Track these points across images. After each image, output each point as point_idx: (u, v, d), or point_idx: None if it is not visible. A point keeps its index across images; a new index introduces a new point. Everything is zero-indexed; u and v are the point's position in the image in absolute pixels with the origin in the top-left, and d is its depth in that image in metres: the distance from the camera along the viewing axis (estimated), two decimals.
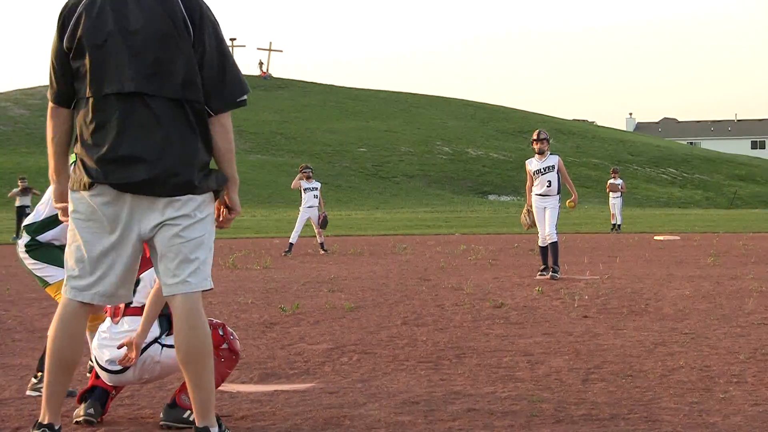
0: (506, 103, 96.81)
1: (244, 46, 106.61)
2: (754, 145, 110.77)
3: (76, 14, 4.48)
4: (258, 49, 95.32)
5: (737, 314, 9.52)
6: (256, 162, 61.63)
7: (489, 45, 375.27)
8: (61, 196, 4.70)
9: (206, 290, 4.55)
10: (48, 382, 4.59)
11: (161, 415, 5.24)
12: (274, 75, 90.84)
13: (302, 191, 20.25)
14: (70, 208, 4.55)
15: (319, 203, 20.26)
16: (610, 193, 29.61)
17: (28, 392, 6.12)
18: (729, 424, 5.15)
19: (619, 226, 29.00)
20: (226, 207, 4.69)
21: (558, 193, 14.02)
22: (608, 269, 14.91)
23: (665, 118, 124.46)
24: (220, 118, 4.54)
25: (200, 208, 4.50)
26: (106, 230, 4.46)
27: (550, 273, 13.45)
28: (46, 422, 4.57)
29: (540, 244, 13.86)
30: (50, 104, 4.59)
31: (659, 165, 73.59)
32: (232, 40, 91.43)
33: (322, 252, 19.94)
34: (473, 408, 5.57)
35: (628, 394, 5.89)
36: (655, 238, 24.38)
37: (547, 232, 13.70)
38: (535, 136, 14.19)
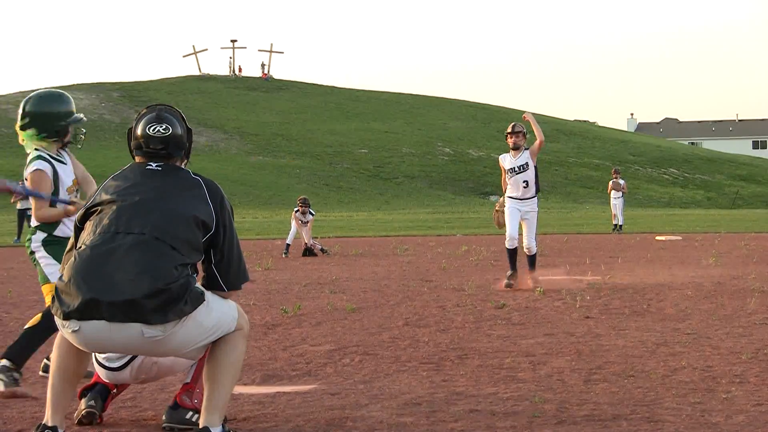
0: (507, 104, 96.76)
1: (245, 47, 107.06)
2: (755, 145, 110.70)
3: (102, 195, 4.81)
4: (259, 50, 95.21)
5: (739, 314, 9.51)
6: (256, 163, 61.63)
7: (490, 46, 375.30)
8: None
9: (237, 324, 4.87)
10: (53, 389, 4.63)
11: (164, 416, 5.24)
12: (275, 76, 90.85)
13: (295, 222, 20.24)
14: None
15: (308, 229, 20.25)
16: (612, 192, 29.58)
17: (40, 372, 6.55)
18: (731, 424, 5.14)
19: (620, 226, 28.96)
20: None
21: (536, 194, 12.65)
22: (610, 270, 14.90)
23: (666, 119, 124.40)
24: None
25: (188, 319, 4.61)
26: None
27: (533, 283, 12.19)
28: (50, 425, 4.59)
29: (508, 246, 12.60)
30: None
31: (660, 165, 73.55)
32: (233, 41, 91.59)
33: (323, 253, 19.94)
34: (475, 409, 5.57)
35: (630, 395, 5.89)
36: (657, 238, 24.36)
37: (526, 244, 12.57)
38: (509, 129, 12.64)
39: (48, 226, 6.46)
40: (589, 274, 14.30)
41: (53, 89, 6.88)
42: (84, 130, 6.81)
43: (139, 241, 4.56)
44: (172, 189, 4.77)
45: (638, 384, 6.21)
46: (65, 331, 4.55)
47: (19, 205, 27.55)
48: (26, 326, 6.34)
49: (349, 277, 14.48)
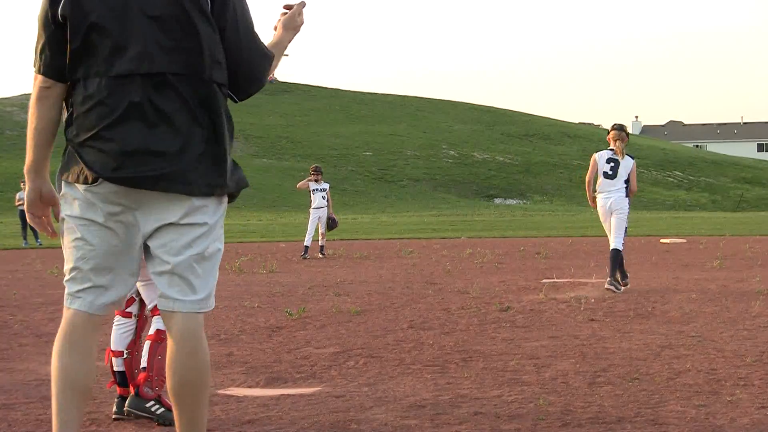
0: (512, 106, 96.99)
1: None
2: (760, 148, 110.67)
3: None
4: None
5: (744, 317, 9.50)
6: (261, 166, 61.66)
7: (495, 48, 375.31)
8: (36, 199, 3.88)
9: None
10: (60, 412, 3.78)
11: (126, 402, 5.49)
12: (280, 79, 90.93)
13: (311, 192, 20.35)
14: (66, 207, 3.81)
15: (328, 204, 20.32)
16: None
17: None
18: (736, 427, 5.14)
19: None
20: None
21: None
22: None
23: (671, 121, 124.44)
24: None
25: (215, 212, 3.85)
26: (109, 230, 3.76)
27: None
28: None
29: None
30: (40, 80, 3.78)
31: (665, 168, 73.52)
32: None
33: (320, 256, 19.99)
34: (480, 411, 5.57)
35: (634, 398, 5.88)
36: (662, 241, 24.35)
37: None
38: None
39: None
40: (593, 276, 14.30)
41: None
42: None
43: (174, 94, 3.70)
44: None
45: (642, 387, 6.21)
46: (84, 191, 3.73)
47: (23, 206, 27.62)
48: None
49: (354, 279, 14.49)
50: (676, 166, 74.55)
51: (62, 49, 3.73)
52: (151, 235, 3.79)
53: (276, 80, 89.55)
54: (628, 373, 6.65)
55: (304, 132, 72.75)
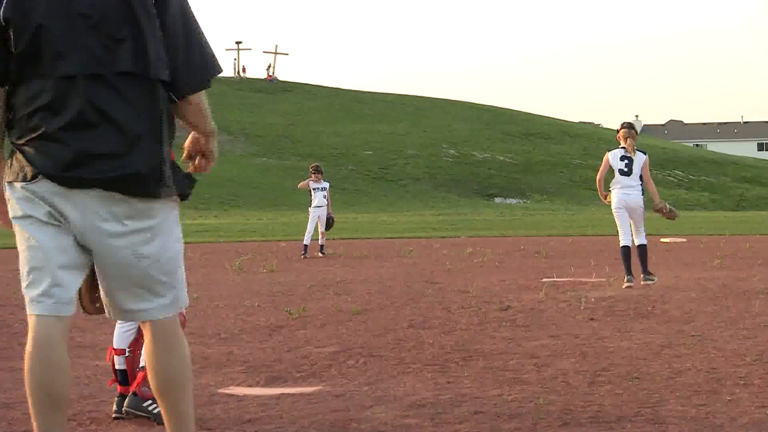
0: (512, 105, 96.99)
1: (250, 49, 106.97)
2: (760, 147, 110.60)
3: None
4: (264, 52, 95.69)
5: (744, 316, 9.50)
6: (261, 165, 61.64)
7: (495, 47, 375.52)
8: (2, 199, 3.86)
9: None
10: (39, 425, 3.67)
11: (125, 402, 5.50)
12: (280, 78, 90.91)
13: (311, 191, 20.37)
14: (11, 210, 3.74)
15: (328, 203, 20.34)
16: None
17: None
18: (736, 426, 5.14)
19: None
20: (203, 156, 4.00)
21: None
22: (615, 272, 14.88)
23: (671, 120, 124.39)
24: (193, 99, 3.78)
25: (162, 213, 3.76)
26: (54, 226, 3.67)
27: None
28: None
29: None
30: None
31: (665, 167, 73.46)
32: (238, 43, 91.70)
33: (320, 255, 20.00)
34: (480, 411, 5.57)
35: (634, 397, 5.89)
36: (662, 240, 24.32)
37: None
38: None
39: None
40: (593, 276, 14.30)
41: None
42: None
43: (119, 95, 3.62)
44: None
45: (643, 386, 6.21)
46: (27, 188, 3.64)
47: None
48: None
49: (354, 279, 14.48)
50: (676, 166, 74.49)
51: (0, 52, 3.65)
52: (98, 249, 3.68)
53: (276, 79, 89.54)
54: (628, 373, 6.65)
55: (305, 131, 72.68)
